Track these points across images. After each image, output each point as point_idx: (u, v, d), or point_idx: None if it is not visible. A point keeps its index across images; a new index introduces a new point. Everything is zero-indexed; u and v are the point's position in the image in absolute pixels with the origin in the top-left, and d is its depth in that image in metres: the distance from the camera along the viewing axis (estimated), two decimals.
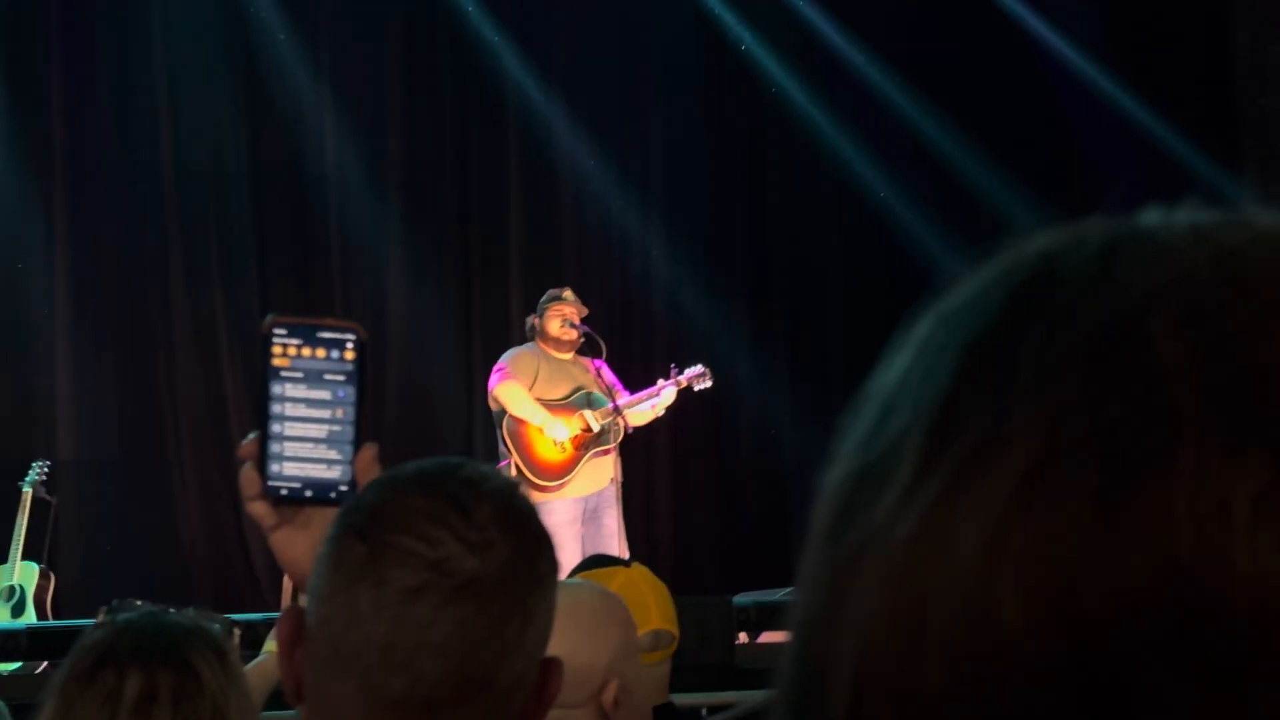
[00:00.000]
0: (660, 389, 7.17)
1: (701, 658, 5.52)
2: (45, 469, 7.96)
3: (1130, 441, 0.40)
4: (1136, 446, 0.40)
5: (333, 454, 1.47)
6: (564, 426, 6.99)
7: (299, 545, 1.45)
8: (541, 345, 7.14)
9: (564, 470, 7.00)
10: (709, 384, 7.31)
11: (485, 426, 8.03)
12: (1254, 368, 0.40)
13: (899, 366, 0.46)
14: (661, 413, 7.23)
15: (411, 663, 1.27)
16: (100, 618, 2.13)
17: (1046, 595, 0.39)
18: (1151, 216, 0.46)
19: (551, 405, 7.02)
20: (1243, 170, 8.49)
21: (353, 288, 9.19)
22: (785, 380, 9.39)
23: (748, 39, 9.48)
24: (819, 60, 9.42)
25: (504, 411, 7.04)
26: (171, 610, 2.17)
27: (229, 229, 9.04)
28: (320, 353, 1.48)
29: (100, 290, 8.87)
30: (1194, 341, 0.41)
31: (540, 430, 6.98)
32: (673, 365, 7.32)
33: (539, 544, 1.35)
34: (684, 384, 7.21)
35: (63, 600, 7.75)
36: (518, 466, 6.95)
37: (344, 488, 1.46)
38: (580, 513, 7.02)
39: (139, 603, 2.16)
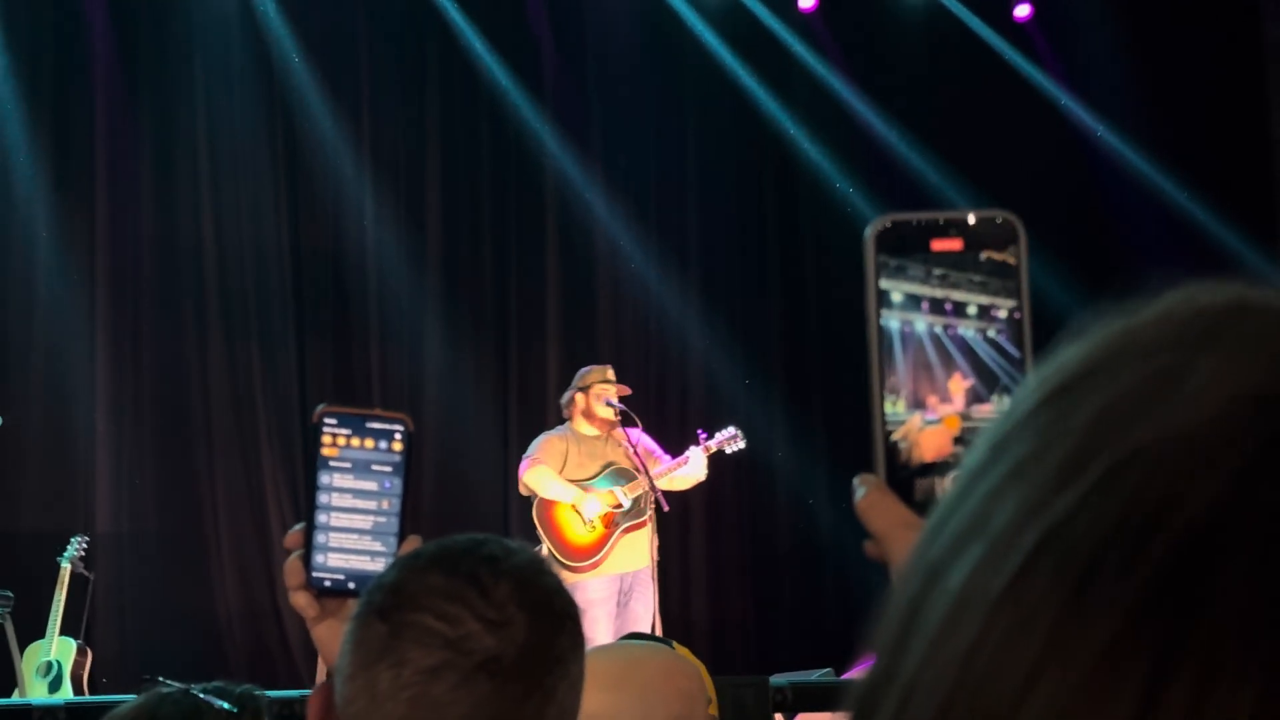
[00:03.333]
0: (688, 455, 7.14)
1: None
2: (84, 544, 7.99)
3: None
4: None
5: (377, 545, 1.46)
6: (596, 502, 6.97)
7: (341, 638, 1.45)
8: (574, 426, 7.13)
9: (595, 549, 6.97)
10: (741, 445, 7.27)
11: (521, 503, 8.02)
12: None
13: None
14: (702, 477, 7.16)
15: None
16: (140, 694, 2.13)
17: None
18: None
19: (580, 485, 7.02)
20: (1278, 248, 8.47)
21: (390, 365, 9.22)
22: (824, 454, 9.36)
23: (782, 116, 9.52)
24: (851, 130, 9.45)
25: (535, 496, 7.04)
26: (199, 686, 2.17)
27: (268, 308, 9.08)
28: (369, 443, 1.48)
29: (140, 367, 8.92)
30: None
31: (573, 508, 6.96)
32: (700, 431, 7.30)
33: (561, 621, 1.35)
34: (713, 449, 7.17)
35: (99, 676, 7.76)
36: (550, 551, 6.92)
37: None
38: (615, 592, 6.98)
39: (166, 681, 2.15)
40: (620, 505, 7.00)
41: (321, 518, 1.47)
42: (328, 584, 1.46)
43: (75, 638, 7.73)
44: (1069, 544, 0.37)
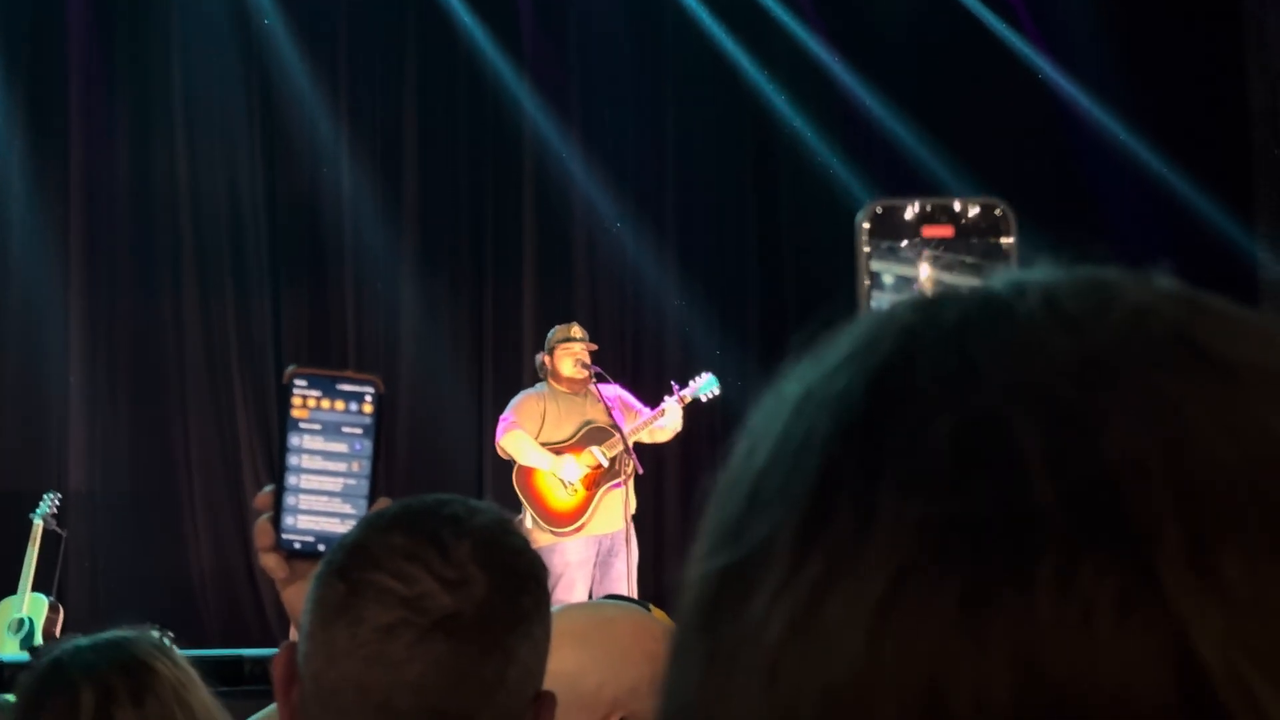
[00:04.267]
0: (664, 408, 7.14)
1: None
2: (56, 501, 7.97)
3: (993, 545, 0.39)
4: (999, 551, 0.38)
5: (347, 508, 1.47)
6: (574, 464, 6.97)
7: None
8: (552, 384, 7.13)
9: (578, 513, 6.97)
10: (717, 390, 7.28)
11: (496, 462, 8.02)
12: (1113, 465, 0.39)
13: (764, 449, 0.45)
14: (679, 428, 7.17)
15: (387, 701, 1.28)
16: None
17: (919, 707, 0.38)
18: (1005, 286, 0.44)
19: (559, 445, 7.01)
20: (1255, 219, 8.49)
21: (365, 320, 9.20)
22: None
23: (762, 81, 9.50)
24: (832, 98, 9.44)
25: (515, 462, 7.03)
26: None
27: (243, 263, 9.05)
28: (339, 405, 1.48)
29: (114, 322, 8.89)
30: (1055, 439, 0.39)
31: (552, 474, 6.95)
32: (674, 383, 7.31)
33: (524, 581, 1.34)
34: (688, 399, 7.18)
35: (71, 633, 7.74)
36: (532, 516, 6.92)
37: None
38: (594, 554, 6.99)
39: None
40: (600, 465, 7.00)
41: (291, 479, 1.47)
42: (297, 546, 1.46)
43: (47, 594, 7.72)
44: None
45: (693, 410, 7.28)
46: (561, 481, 6.95)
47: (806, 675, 0.40)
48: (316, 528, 1.47)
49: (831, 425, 0.43)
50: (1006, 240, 0.92)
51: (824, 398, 0.44)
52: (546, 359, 7.15)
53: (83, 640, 2.04)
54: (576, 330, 7.17)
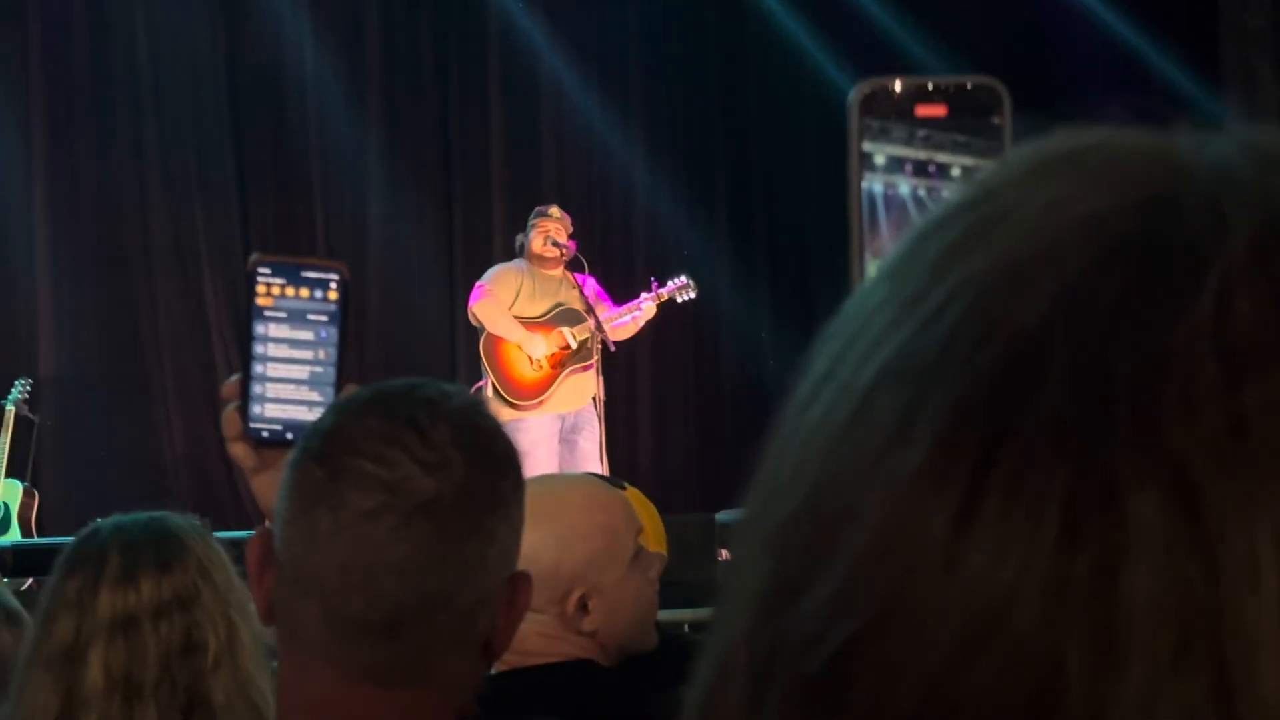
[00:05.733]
0: (640, 303, 7.18)
1: (684, 575, 5.56)
2: (28, 387, 7.95)
3: None
4: None
5: (314, 395, 1.46)
6: (542, 343, 6.99)
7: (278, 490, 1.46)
8: (529, 262, 7.14)
9: (540, 389, 7.00)
10: (693, 294, 7.31)
11: (468, 346, 8.03)
12: None
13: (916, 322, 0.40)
14: (641, 326, 7.24)
15: (370, 583, 1.29)
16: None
17: None
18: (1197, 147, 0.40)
19: (530, 322, 7.02)
20: (1223, 87, 8.47)
21: (331, 203, 9.16)
22: (767, 293, 9.39)
23: None
24: None
25: (483, 329, 7.05)
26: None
27: (207, 145, 8.98)
28: (304, 292, 1.47)
29: (79, 206, 8.82)
30: None
31: (518, 347, 6.98)
32: (653, 279, 7.33)
33: (501, 464, 1.35)
34: (664, 297, 7.22)
35: (46, 518, 7.77)
36: (494, 385, 6.96)
37: None
38: (558, 431, 7.03)
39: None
40: (568, 346, 7.02)
41: (258, 368, 1.46)
42: (265, 434, 1.46)
43: (22, 480, 7.73)
44: (900, 375, 0.39)
45: (667, 305, 7.30)
46: (528, 357, 6.97)
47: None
48: (284, 415, 1.46)
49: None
50: (1000, 119, 0.90)
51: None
52: (523, 237, 7.18)
53: (125, 516, 2.08)
54: (554, 210, 7.19)
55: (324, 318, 1.47)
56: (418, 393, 1.34)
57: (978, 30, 8.79)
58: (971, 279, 0.39)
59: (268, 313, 1.47)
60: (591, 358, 7.01)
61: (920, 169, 0.92)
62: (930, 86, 0.91)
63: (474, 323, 7.12)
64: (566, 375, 7.02)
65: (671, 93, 9.52)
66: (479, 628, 1.34)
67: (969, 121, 0.91)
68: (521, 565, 1.39)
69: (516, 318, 7.00)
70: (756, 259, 9.52)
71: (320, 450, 1.31)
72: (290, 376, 1.47)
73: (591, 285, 7.20)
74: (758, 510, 0.43)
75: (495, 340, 7.00)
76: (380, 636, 1.30)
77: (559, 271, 7.08)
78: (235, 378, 1.47)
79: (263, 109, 9.11)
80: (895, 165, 0.91)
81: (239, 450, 1.47)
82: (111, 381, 8.76)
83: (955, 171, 0.91)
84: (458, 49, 9.32)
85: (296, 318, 1.47)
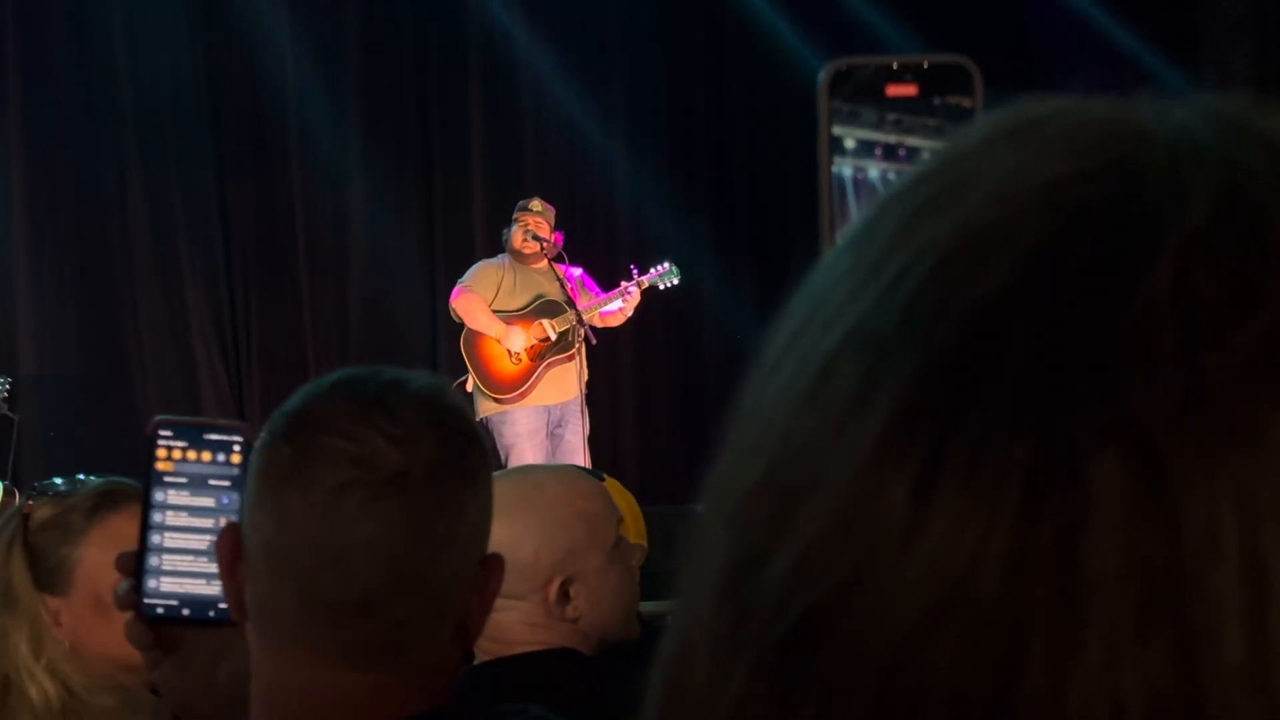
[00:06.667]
0: (628, 287, 7.19)
1: (665, 566, 5.57)
2: (7, 386, 7.93)
3: None
4: None
5: (212, 568, 1.38)
6: (521, 336, 7.00)
7: (184, 679, 1.41)
8: (511, 257, 7.16)
9: (520, 381, 7.01)
10: (675, 281, 7.32)
11: (449, 340, 8.02)
12: None
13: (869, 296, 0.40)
14: (630, 314, 7.24)
15: (342, 560, 1.29)
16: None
17: None
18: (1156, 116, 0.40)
19: (511, 315, 7.03)
20: (1201, 72, 8.48)
21: (313, 200, 9.13)
22: (750, 286, 9.39)
23: None
24: None
25: (463, 325, 7.07)
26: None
27: (187, 143, 8.95)
28: (206, 456, 1.42)
29: (58, 205, 8.79)
30: None
31: (498, 342, 6.99)
32: (633, 267, 7.34)
33: (467, 440, 1.35)
34: (645, 285, 7.23)
35: None
36: (475, 381, 6.97)
37: (223, 605, 1.37)
38: (544, 423, 7.04)
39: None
40: (547, 338, 7.03)
41: (154, 538, 1.40)
42: (160, 610, 1.40)
43: (2, 479, 7.71)
44: (860, 344, 0.39)
45: (648, 293, 7.30)
46: (506, 351, 6.99)
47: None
48: (181, 590, 1.39)
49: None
50: (971, 100, 0.89)
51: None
52: (507, 231, 7.22)
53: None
54: (535, 204, 7.21)
55: (226, 483, 1.42)
56: (382, 375, 1.35)
57: (958, 16, 8.80)
58: (931, 247, 0.39)
59: (167, 478, 1.41)
60: (572, 348, 7.02)
61: (890, 153, 0.91)
62: (900, 66, 0.89)
63: (454, 319, 7.14)
64: (546, 367, 7.03)
65: (652, 82, 9.51)
66: (452, 608, 1.34)
67: (940, 101, 0.89)
68: (503, 554, 1.39)
69: (497, 311, 7.02)
70: (739, 248, 9.52)
71: (288, 430, 1.31)
72: (188, 547, 1.40)
73: (579, 275, 7.23)
74: (720, 484, 0.43)
75: (475, 336, 7.01)
76: (354, 615, 1.30)
77: (542, 264, 7.10)
78: (129, 551, 1.40)
79: (242, 105, 9.08)
80: (865, 149, 0.90)
81: (134, 631, 1.41)
82: (91, 380, 8.73)
83: (925, 155, 0.90)
84: (438, 42, 9.30)
85: (198, 483, 1.42)
